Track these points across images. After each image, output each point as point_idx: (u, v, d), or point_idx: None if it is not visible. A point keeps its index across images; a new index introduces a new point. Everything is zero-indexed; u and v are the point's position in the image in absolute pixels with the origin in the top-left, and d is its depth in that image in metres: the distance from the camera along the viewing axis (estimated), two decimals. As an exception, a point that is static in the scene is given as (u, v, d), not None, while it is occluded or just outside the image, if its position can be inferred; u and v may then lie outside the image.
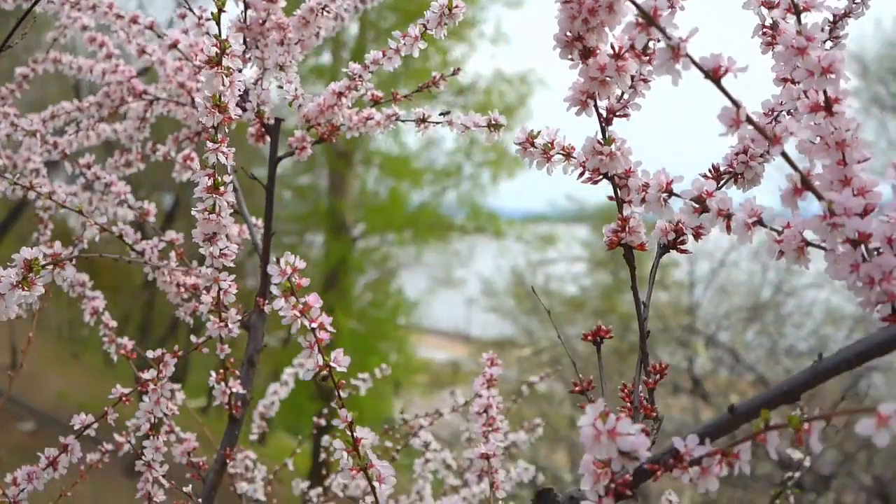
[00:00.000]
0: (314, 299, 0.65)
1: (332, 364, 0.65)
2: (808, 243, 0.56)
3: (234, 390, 0.99)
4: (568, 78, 0.69)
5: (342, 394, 0.68)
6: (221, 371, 0.99)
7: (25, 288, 0.69)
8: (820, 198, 0.52)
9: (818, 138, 0.56)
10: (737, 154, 0.70)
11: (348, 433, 0.67)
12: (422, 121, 0.98)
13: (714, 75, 0.52)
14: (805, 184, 0.53)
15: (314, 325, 0.64)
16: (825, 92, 0.55)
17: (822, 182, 0.56)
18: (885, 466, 6.20)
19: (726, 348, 6.43)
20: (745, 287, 7.91)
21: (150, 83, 1.29)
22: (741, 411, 0.53)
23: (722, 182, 0.70)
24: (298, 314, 0.64)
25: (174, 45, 1.09)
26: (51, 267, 0.70)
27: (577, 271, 10.73)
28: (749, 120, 0.52)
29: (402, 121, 0.99)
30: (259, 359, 1.05)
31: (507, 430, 1.54)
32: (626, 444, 0.51)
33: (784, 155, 0.53)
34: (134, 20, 1.12)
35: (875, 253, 0.54)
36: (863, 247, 0.54)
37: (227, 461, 1.01)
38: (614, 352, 7.82)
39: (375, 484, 0.67)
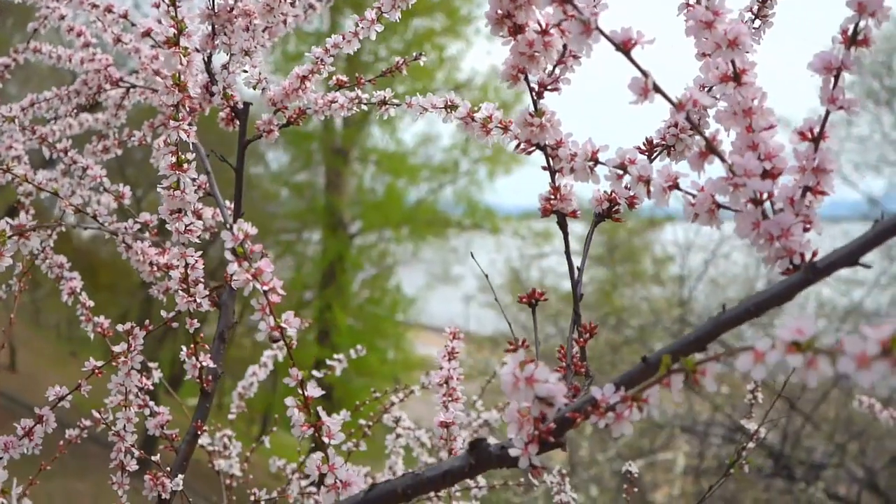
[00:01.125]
0: (266, 264, 0.68)
1: (283, 325, 0.69)
2: (720, 205, 0.60)
3: (204, 364, 1.03)
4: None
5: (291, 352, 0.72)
6: (192, 346, 1.02)
7: (-6, 258, 0.73)
8: (723, 160, 0.56)
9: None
10: (668, 127, 0.73)
11: (299, 391, 0.71)
12: (382, 103, 1.02)
13: (624, 48, 0.56)
14: (710, 148, 0.57)
15: (266, 288, 0.68)
16: (733, 63, 0.59)
17: (735, 149, 0.60)
18: (875, 457, 6.26)
19: (719, 341, 6.47)
20: (740, 279, 7.96)
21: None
22: (652, 361, 0.57)
23: (655, 154, 0.74)
24: (251, 278, 0.68)
25: (147, 34, 1.12)
26: (16, 237, 0.74)
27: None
28: (656, 88, 0.56)
29: (365, 103, 1.03)
30: (230, 335, 1.09)
31: (482, 409, 1.58)
32: (542, 389, 0.55)
33: (689, 121, 0.57)
34: (108, 9, 1.16)
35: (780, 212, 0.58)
36: (769, 206, 0.58)
37: (199, 433, 1.05)
38: (608, 344, 7.86)
39: (325, 439, 0.71)
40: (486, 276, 0.87)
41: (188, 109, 0.82)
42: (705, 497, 1.16)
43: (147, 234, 1.10)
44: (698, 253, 8.15)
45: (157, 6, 1.13)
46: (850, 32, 0.57)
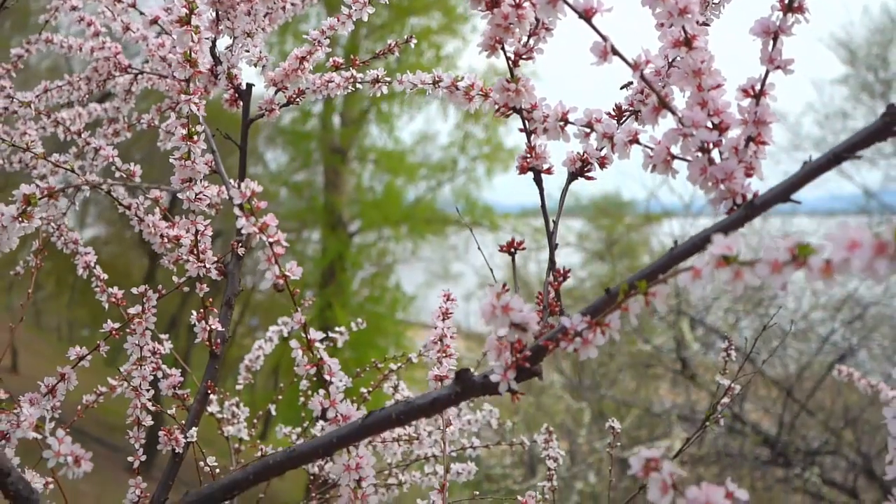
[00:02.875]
0: (271, 219, 0.76)
1: (287, 273, 0.76)
2: (674, 156, 0.67)
3: (213, 328, 1.11)
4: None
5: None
6: (202, 311, 1.10)
7: (25, 220, 0.80)
8: (674, 114, 0.64)
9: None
10: (636, 94, 0.81)
11: (303, 335, 0.78)
12: (376, 81, 1.10)
13: (587, 15, 0.63)
14: (662, 103, 0.64)
15: (272, 240, 0.75)
16: (684, 29, 0.66)
17: (687, 106, 0.68)
18: (870, 443, 6.34)
19: (714, 330, 6.56)
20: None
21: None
22: (614, 292, 0.64)
23: (624, 118, 0.81)
24: (258, 231, 0.75)
25: (155, 21, 1.20)
26: (46, 199, 0.82)
27: (572, 262, 10.87)
28: (615, 51, 0.63)
29: (360, 82, 1.11)
30: (235, 302, 1.16)
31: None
32: (517, 316, 0.63)
33: (643, 79, 0.64)
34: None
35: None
36: (717, 154, 0.66)
37: (209, 392, 1.12)
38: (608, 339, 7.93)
39: (327, 377, 0.78)
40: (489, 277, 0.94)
41: (192, 84, 0.90)
42: (683, 448, 1.24)
43: (157, 209, 1.18)
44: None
45: (164, -4, 1.20)
46: (786, 1, 0.64)
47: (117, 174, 1.25)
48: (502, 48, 0.74)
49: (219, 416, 1.47)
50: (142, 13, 1.24)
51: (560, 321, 0.65)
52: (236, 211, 0.75)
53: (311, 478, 1.48)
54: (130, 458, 1.08)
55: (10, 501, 0.76)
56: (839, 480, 6.36)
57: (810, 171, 0.59)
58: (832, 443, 6.17)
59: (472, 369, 0.71)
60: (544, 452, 1.24)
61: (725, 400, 1.20)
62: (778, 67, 0.64)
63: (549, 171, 0.79)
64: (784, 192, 0.59)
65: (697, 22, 0.67)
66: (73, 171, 1.11)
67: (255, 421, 1.55)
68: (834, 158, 0.58)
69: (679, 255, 0.63)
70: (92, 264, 1.25)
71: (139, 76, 1.36)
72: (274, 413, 1.64)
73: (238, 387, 1.58)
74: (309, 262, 11.80)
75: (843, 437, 6.19)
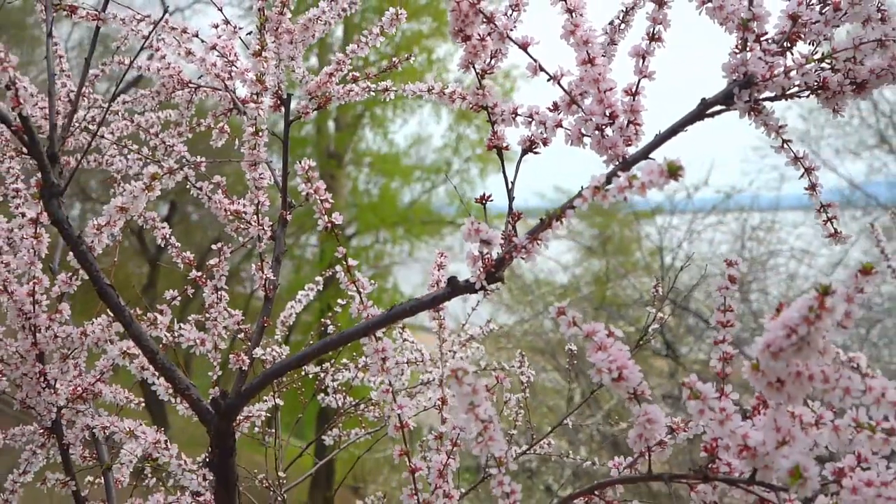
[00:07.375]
0: (322, 183, 1.13)
1: (333, 220, 1.14)
2: (583, 134, 1.05)
3: (268, 277, 1.48)
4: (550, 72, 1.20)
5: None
6: (259, 262, 1.47)
7: (149, 191, 1.17)
8: (580, 107, 1.02)
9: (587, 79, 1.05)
10: (562, 96, 1.18)
11: (344, 262, 1.16)
12: (386, 89, 1.48)
13: (523, 46, 1.01)
14: (572, 100, 1.02)
15: (322, 198, 1.13)
16: (587, 52, 1.04)
17: (591, 101, 1.05)
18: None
19: (698, 315, 6.95)
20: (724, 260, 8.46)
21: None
22: (545, 219, 1.01)
23: (558, 111, 1.19)
24: (313, 192, 1.13)
25: (213, 47, 1.57)
26: (168, 175, 1.19)
27: (568, 259, 11.24)
28: (541, 68, 1.01)
29: (374, 91, 1.49)
30: (283, 259, 1.54)
31: (468, 325, 2.03)
32: (485, 235, 1.00)
33: (559, 85, 1.02)
34: (184, 30, 1.60)
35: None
36: (610, 132, 1.03)
37: (265, 325, 1.49)
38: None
39: (361, 290, 1.16)
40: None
41: (260, 96, 1.27)
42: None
43: (220, 190, 1.55)
44: (681, 234, 8.63)
45: (216, 26, 1.58)
46: (650, 33, 1.02)
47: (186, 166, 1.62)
48: (473, 66, 1.11)
49: (263, 357, 1.83)
50: (203, 41, 1.62)
51: (513, 241, 1.03)
52: (298, 178, 1.12)
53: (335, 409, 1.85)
54: (210, 373, 1.45)
55: (159, 373, 1.13)
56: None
57: (658, 140, 0.96)
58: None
59: (457, 276, 1.08)
60: (518, 370, 1.61)
61: (655, 326, 1.57)
62: (645, 76, 1.02)
63: (507, 148, 1.16)
64: (643, 153, 0.97)
65: (601, 46, 1.04)
66: (158, 163, 1.48)
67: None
68: (671, 132, 0.96)
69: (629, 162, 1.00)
70: (168, 236, 1.62)
71: (197, 90, 1.73)
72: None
73: (276, 338, 1.96)
74: (307, 265, 12.16)
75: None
